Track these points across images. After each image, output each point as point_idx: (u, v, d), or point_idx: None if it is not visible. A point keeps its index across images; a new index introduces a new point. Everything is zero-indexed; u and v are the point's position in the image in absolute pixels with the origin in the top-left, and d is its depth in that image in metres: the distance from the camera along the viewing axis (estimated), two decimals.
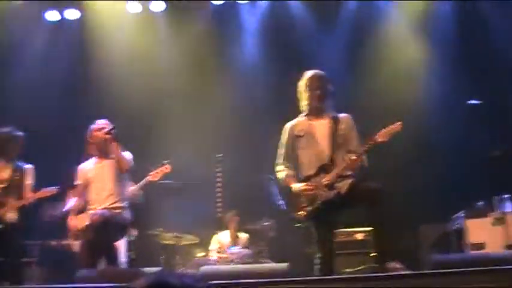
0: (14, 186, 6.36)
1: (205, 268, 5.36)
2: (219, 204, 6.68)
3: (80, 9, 9.15)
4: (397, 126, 4.96)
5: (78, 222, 6.26)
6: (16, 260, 6.55)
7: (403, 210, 6.72)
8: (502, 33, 8.26)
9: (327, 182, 4.99)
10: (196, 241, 7.86)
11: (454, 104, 7.34)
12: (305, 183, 5.07)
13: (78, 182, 5.96)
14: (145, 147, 7.76)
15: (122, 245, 6.65)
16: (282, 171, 5.26)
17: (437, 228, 7.50)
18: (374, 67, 8.63)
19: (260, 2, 9.15)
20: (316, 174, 5.06)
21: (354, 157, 4.95)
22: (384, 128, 4.97)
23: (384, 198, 4.85)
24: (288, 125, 5.31)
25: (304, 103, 5.24)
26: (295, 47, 8.90)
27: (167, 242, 7.63)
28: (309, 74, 5.25)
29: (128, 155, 5.88)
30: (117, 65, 8.90)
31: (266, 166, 6.59)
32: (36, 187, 6.42)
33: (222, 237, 7.80)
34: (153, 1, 9.03)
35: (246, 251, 7.68)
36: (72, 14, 9.16)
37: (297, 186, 5.11)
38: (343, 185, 5.00)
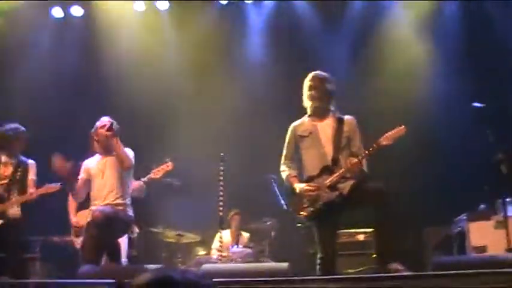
0: (17, 182, 6.39)
1: (206, 266, 5.37)
2: (221, 203, 6.67)
3: (86, 7, 9.17)
4: (401, 130, 4.96)
5: (80, 218, 6.28)
6: (19, 255, 6.57)
7: (406, 212, 6.70)
8: (507, 33, 8.25)
9: (329, 183, 5.00)
10: (198, 239, 7.88)
11: (458, 106, 7.34)
12: (307, 184, 5.07)
13: (80, 176, 5.97)
14: (149, 145, 7.77)
15: (124, 241, 6.66)
16: (285, 171, 5.27)
17: (440, 230, 7.50)
18: (379, 67, 8.64)
19: (266, 1, 9.15)
20: (319, 175, 5.07)
21: (355, 160, 4.96)
22: (388, 131, 4.97)
23: (386, 199, 4.85)
24: (292, 125, 5.32)
25: (306, 104, 5.25)
26: (301, 46, 8.91)
27: (169, 240, 7.65)
28: (310, 75, 5.27)
29: (129, 152, 5.90)
30: (123, 63, 8.91)
31: (269, 166, 6.61)
32: (40, 183, 6.44)
33: (224, 236, 7.81)
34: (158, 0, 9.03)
35: (248, 250, 7.69)
36: (77, 11, 9.18)
37: (299, 186, 5.12)
38: (346, 186, 5.01)
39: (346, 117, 5.23)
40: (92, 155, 6.06)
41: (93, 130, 5.96)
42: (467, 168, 7.61)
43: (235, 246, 7.85)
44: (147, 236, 7.54)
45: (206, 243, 7.96)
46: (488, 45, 8.31)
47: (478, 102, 5.45)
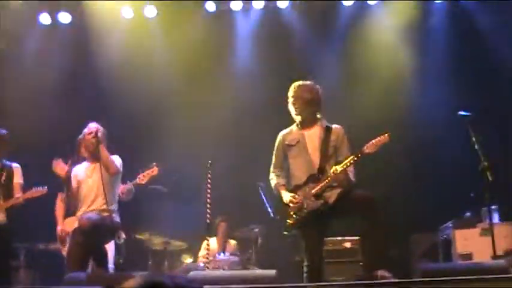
0: (2, 187, 6.29)
1: (193, 274, 5.36)
2: (208, 210, 6.67)
3: (74, 14, 9.15)
4: (384, 137, 5.00)
5: (66, 225, 6.25)
6: (4, 263, 6.48)
7: (392, 219, 6.73)
8: (495, 40, 8.33)
9: (314, 192, 5.04)
10: (185, 247, 7.86)
11: (444, 113, 7.39)
12: (292, 194, 5.12)
13: (72, 185, 5.96)
14: (137, 151, 7.76)
15: (111, 248, 6.63)
16: (273, 180, 5.33)
17: (426, 237, 7.54)
18: (366, 74, 8.65)
19: (254, 9, 9.16)
20: (305, 183, 5.11)
21: (340, 168, 4.98)
22: (372, 139, 5.01)
23: (373, 208, 4.88)
24: (281, 134, 5.37)
25: (292, 113, 5.29)
26: (289, 54, 8.93)
27: (155, 247, 7.62)
28: (292, 85, 5.30)
29: (117, 159, 5.91)
30: (111, 69, 8.89)
31: (257, 173, 6.62)
32: (25, 187, 6.38)
33: (211, 243, 7.79)
34: (147, 6, 9.02)
35: (234, 257, 7.68)
36: (65, 18, 9.16)
37: (285, 195, 5.14)
38: (332, 195, 5.05)
39: (334, 126, 5.26)
40: (79, 161, 6.05)
41: (80, 136, 5.97)
42: (453, 176, 7.66)
43: (222, 254, 7.83)
44: (133, 243, 7.50)
45: (193, 250, 7.93)
46: (475, 52, 8.40)
47: (464, 111, 5.49)
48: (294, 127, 5.33)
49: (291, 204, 5.08)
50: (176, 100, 8.77)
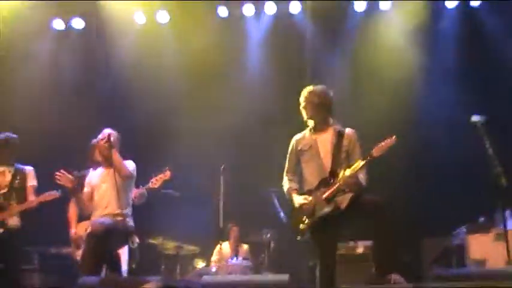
0: (16, 190, 6.33)
1: (206, 278, 5.36)
2: (221, 215, 6.68)
3: (87, 20, 9.22)
4: (391, 140, 4.96)
5: (79, 229, 6.28)
6: (18, 267, 6.52)
7: (405, 224, 6.70)
8: (503, 43, 8.30)
9: (325, 196, 5.03)
10: (197, 251, 7.87)
11: (457, 117, 7.35)
12: (304, 197, 5.12)
13: (85, 189, 6.01)
14: (149, 156, 7.78)
15: (124, 252, 6.65)
16: (285, 184, 5.33)
17: (439, 242, 7.49)
18: (376, 77, 8.63)
19: (265, 14, 9.18)
20: (317, 188, 5.10)
21: (349, 173, 4.97)
22: (379, 142, 4.99)
23: (384, 212, 4.86)
24: (294, 139, 5.38)
25: (304, 117, 5.30)
26: (300, 59, 8.93)
27: (168, 251, 7.63)
28: (304, 89, 5.31)
29: (130, 164, 5.95)
30: (123, 75, 8.96)
31: (269, 178, 6.61)
32: (39, 191, 6.43)
33: (223, 248, 7.80)
34: (159, 11, 9.08)
35: (247, 262, 7.68)
36: (78, 23, 9.24)
37: (297, 199, 5.15)
38: (344, 199, 5.03)
39: (347, 130, 5.25)
40: (93, 166, 6.11)
41: (94, 141, 6.04)
42: (466, 181, 7.62)
43: (235, 258, 7.84)
44: (146, 247, 7.52)
45: (205, 254, 7.94)
46: (484, 55, 8.37)
47: (477, 114, 5.45)
48: (307, 132, 5.33)
49: (304, 207, 5.07)
50: (188, 104, 8.81)
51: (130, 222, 5.90)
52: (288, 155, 5.36)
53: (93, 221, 5.74)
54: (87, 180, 6.07)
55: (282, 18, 9.16)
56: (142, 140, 8.35)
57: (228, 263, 7.56)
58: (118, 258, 5.97)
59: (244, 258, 7.83)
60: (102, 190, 5.91)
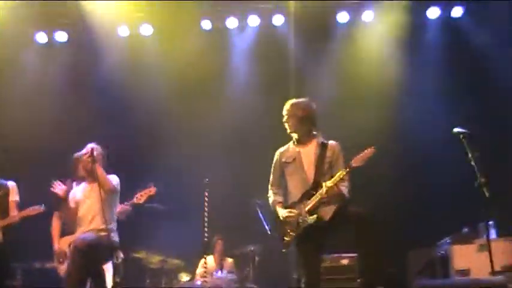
0: None
1: None
2: (206, 229, 6.66)
3: (70, 33, 9.20)
4: (370, 150, 5.00)
5: (63, 244, 6.22)
6: (1, 283, 6.44)
7: (389, 235, 6.72)
8: (488, 53, 8.38)
9: (308, 208, 5.03)
10: (182, 265, 7.83)
11: (441, 128, 7.41)
12: (288, 210, 5.13)
13: (70, 205, 5.97)
14: (134, 170, 7.74)
15: (108, 267, 6.59)
16: (270, 197, 5.34)
17: (424, 253, 7.51)
18: (360, 88, 8.69)
19: (249, 26, 9.20)
20: (300, 200, 5.12)
21: (330, 184, 4.99)
22: (359, 153, 5.02)
23: (369, 224, 4.87)
24: (278, 152, 5.40)
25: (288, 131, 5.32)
26: (285, 71, 8.95)
27: (153, 265, 7.58)
28: (287, 102, 5.33)
29: (113, 178, 5.92)
30: (107, 88, 8.92)
31: (253, 191, 6.61)
32: (22, 206, 6.37)
33: (208, 262, 7.77)
34: (143, 24, 9.08)
35: (232, 275, 7.65)
36: (62, 36, 9.22)
37: (281, 212, 5.15)
38: (328, 211, 5.03)
39: (330, 142, 5.27)
40: (77, 181, 6.07)
41: (77, 155, 5.99)
42: (450, 192, 7.67)
43: (220, 272, 7.81)
44: (130, 262, 7.47)
45: (190, 268, 7.90)
46: (468, 65, 8.46)
47: (459, 127, 5.49)
48: (290, 144, 5.35)
49: (287, 220, 5.08)
50: (172, 118, 8.80)
51: (115, 237, 5.86)
52: (272, 168, 5.37)
53: (77, 237, 5.70)
54: (70, 195, 6.02)
55: (266, 30, 9.19)
56: (126, 153, 8.30)
57: (213, 277, 7.53)
58: (103, 274, 5.91)
59: (229, 272, 7.81)
60: (87, 205, 5.87)
